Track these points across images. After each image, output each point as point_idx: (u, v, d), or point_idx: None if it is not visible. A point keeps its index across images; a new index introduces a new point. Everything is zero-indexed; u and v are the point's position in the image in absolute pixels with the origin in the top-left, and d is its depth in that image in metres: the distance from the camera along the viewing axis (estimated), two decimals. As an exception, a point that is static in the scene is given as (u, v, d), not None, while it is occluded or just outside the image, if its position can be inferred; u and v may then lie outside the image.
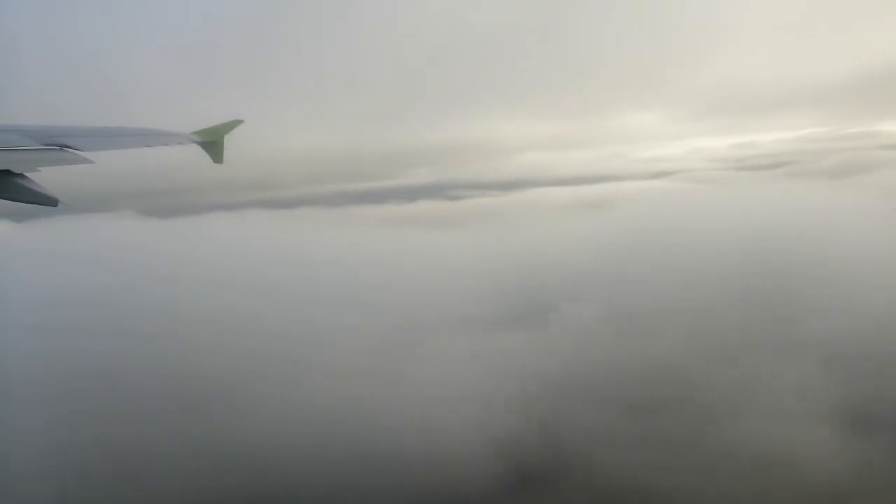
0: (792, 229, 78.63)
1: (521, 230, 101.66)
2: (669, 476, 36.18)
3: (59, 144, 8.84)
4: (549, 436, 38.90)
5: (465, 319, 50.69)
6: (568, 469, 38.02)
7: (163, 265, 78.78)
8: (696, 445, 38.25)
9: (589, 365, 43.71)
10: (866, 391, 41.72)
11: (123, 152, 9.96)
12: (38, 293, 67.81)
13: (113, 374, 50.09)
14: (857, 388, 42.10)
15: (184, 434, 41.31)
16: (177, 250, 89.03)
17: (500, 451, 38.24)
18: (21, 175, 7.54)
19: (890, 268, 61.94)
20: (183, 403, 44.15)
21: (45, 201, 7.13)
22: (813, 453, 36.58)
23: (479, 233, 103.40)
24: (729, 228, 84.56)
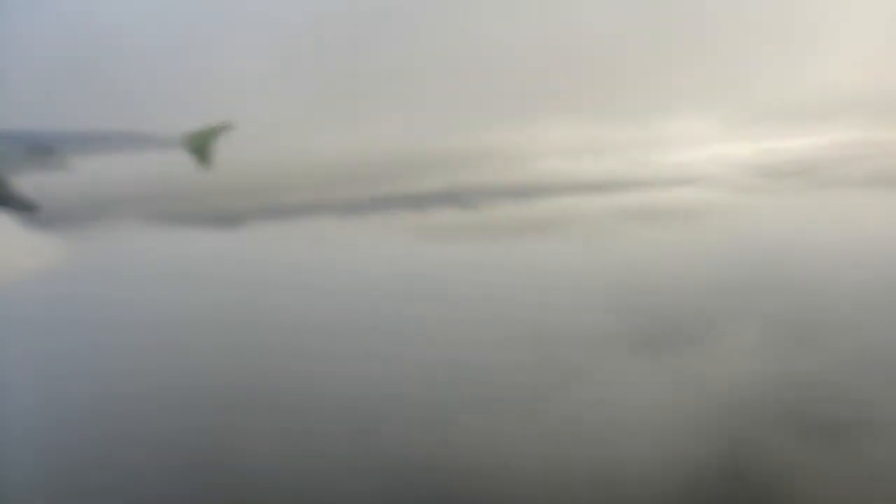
0: (866, 239, 78.07)
1: (574, 242, 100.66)
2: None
3: (44, 148, 9.11)
4: (734, 461, 37.84)
5: (604, 339, 49.49)
6: (756, 497, 37.00)
7: (185, 278, 77.40)
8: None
9: (752, 385, 42.74)
10: None
11: (112, 156, 10.12)
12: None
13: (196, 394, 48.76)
14: None
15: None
16: (199, 261, 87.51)
17: (683, 478, 37.18)
18: (2, 181, 7.77)
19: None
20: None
21: (24, 206, 7.79)
22: None
23: (526, 246, 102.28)
24: (799, 238, 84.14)
